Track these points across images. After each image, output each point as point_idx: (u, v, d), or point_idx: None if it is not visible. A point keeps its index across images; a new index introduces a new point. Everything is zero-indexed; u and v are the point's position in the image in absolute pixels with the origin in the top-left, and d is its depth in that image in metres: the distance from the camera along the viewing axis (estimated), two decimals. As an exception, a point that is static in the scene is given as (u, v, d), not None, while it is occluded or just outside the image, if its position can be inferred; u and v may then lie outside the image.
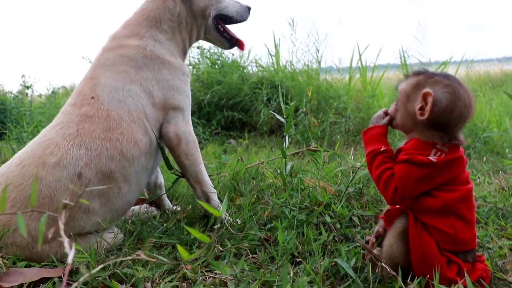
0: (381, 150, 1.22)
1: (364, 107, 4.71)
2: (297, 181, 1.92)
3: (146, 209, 1.97)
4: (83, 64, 5.02)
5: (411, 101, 1.21)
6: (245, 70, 4.94)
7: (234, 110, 4.64)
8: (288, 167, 1.84)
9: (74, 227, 1.47)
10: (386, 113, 1.32)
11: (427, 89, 1.17)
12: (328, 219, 1.60)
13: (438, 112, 1.16)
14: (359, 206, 1.74)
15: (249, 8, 1.98)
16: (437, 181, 1.15)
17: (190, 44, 1.91)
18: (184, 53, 1.89)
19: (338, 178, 2.10)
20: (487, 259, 1.36)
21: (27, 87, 5.46)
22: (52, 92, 6.08)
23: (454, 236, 1.14)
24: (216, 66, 5.00)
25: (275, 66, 5.36)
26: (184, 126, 1.72)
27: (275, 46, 5.53)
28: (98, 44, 1.82)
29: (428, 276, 1.14)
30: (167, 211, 1.99)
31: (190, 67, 5.09)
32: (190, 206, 1.94)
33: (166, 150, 1.78)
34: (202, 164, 1.76)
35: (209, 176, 2.30)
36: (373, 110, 4.64)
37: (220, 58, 5.07)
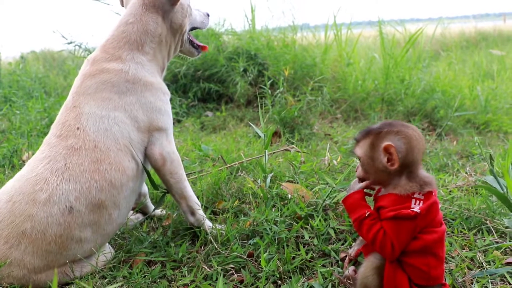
0: (366, 215, 1.29)
1: (340, 75, 4.77)
2: (276, 188, 2.03)
3: (133, 217, 2.05)
4: (50, 30, 4.86)
5: (376, 159, 1.30)
6: (220, 39, 4.88)
7: (210, 81, 4.65)
8: (268, 180, 1.94)
9: (68, 256, 1.55)
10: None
11: (385, 143, 1.26)
12: (306, 235, 1.73)
13: (403, 157, 1.27)
14: (335, 217, 1.87)
15: (208, 15, 2.03)
16: (421, 226, 1.26)
17: (168, 60, 1.93)
18: (162, 71, 1.91)
19: (315, 178, 2.22)
20: (449, 274, 1.52)
21: (-5, 55, 5.28)
22: (21, 57, 5.89)
23: (428, 273, 1.26)
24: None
25: (251, 32, 5.31)
26: (168, 146, 1.77)
27: (252, 10, 5.46)
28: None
29: None
30: (153, 217, 2.08)
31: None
32: (175, 214, 2.03)
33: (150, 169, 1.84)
34: (186, 181, 1.84)
35: (190, 173, 2.40)
36: (349, 79, 4.72)
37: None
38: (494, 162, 1.74)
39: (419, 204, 1.25)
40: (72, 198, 1.53)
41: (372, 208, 1.34)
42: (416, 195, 1.27)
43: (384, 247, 1.24)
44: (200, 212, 1.85)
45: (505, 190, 1.50)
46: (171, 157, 1.78)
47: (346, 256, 1.59)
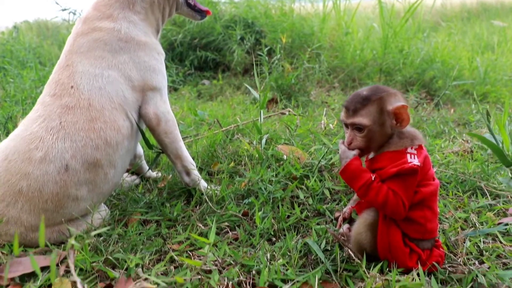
0: (373, 179, 1.26)
1: (338, 44, 4.72)
2: (272, 149, 2.03)
3: (128, 179, 2.05)
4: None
5: (385, 124, 1.28)
6: (217, 7, 4.80)
7: (207, 50, 4.59)
8: (263, 141, 1.93)
9: (64, 214, 1.55)
10: (343, 143, 1.36)
11: (396, 105, 1.25)
12: (301, 195, 1.73)
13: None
14: (330, 178, 1.87)
15: None
16: (418, 179, 1.26)
17: (163, 22, 1.90)
18: (157, 32, 1.88)
19: (310, 138, 2.21)
20: (442, 233, 1.53)
21: (-12, 23, 5.18)
22: (14, 27, 5.79)
23: (424, 226, 1.28)
24: (188, 3, 4.83)
25: (249, 0, 5.22)
26: (162, 106, 1.76)
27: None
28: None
29: (391, 261, 1.29)
30: (149, 179, 2.08)
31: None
32: (171, 175, 2.03)
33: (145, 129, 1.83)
34: (181, 141, 1.83)
35: (186, 137, 2.39)
36: (347, 49, 4.67)
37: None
38: (491, 118, 1.73)
39: (415, 158, 1.25)
40: (68, 156, 1.52)
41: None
42: (409, 150, 1.27)
43: (397, 207, 1.23)
44: (195, 172, 1.85)
45: (501, 145, 1.50)
46: (166, 116, 1.76)
47: (340, 215, 1.60)
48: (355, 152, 1.31)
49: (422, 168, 1.25)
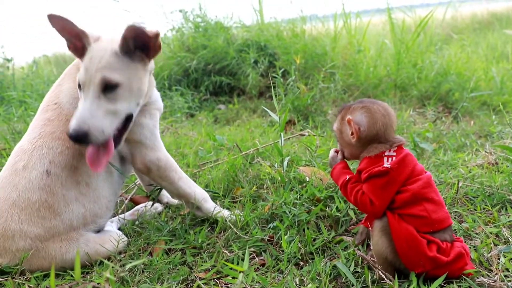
0: (347, 179, 1.41)
1: (351, 63, 4.72)
2: (293, 171, 2.01)
3: (150, 207, 2.04)
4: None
5: (344, 133, 1.45)
6: (229, 32, 4.86)
7: (221, 74, 4.63)
8: (285, 163, 1.92)
9: (64, 221, 1.59)
10: (337, 151, 1.55)
11: (347, 117, 1.39)
12: (328, 210, 1.71)
13: (365, 130, 1.38)
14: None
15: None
16: (400, 180, 1.32)
17: None
18: None
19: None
20: (474, 249, 1.49)
21: (8, 60, 5.33)
22: (33, 61, 5.95)
23: (428, 217, 1.29)
24: (200, 29, 4.91)
25: (260, 23, 5.28)
26: (149, 155, 1.74)
27: (259, 1, 5.43)
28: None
29: (413, 259, 1.27)
30: (171, 207, 2.08)
31: (174, 31, 5.00)
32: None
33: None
34: (181, 180, 1.80)
35: (205, 163, 2.39)
36: (360, 67, 4.67)
37: (204, 21, 4.97)
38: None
39: (391, 160, 1.34)
40: (47, 162, 1.57)
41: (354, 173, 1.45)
42: (386, 153, 1.36)
43: (364, 204, 1.34)
44: (207, 205, 1.84)
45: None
46: (157, 164, 1.74)
47: (360, 241, 1.57)
48: (340, 157, 1.52)
49: (403, 168, 1.32)
